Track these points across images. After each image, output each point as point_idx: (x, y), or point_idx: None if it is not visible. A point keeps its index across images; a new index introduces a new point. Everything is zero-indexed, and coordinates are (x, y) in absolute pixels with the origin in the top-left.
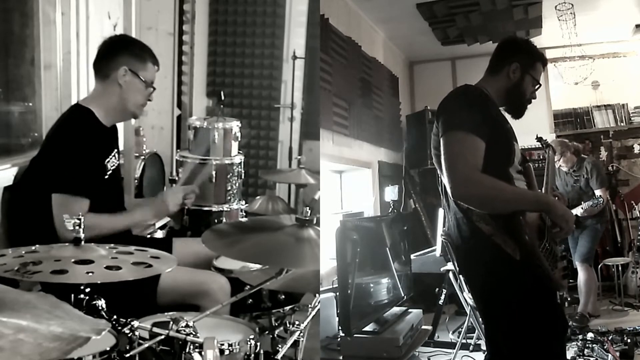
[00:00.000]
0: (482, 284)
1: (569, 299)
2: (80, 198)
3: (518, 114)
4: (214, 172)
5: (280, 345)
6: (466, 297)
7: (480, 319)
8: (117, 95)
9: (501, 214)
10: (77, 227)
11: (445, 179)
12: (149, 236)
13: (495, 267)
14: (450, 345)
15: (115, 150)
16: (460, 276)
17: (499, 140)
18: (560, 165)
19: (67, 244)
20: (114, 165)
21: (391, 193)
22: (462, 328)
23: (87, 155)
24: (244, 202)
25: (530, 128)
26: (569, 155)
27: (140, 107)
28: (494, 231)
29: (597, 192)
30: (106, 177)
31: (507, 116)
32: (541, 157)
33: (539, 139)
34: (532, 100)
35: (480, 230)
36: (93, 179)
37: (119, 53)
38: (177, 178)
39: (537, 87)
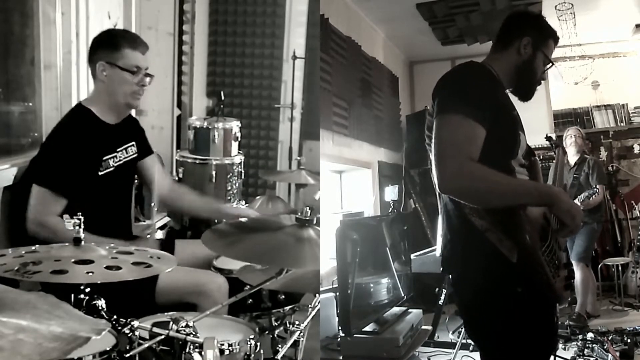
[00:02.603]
0: (471, 287)
1: (568, 298)
2: (58, 196)
3: (527, 95)
4: (213, 172)
5: (280, 345)
6: None
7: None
8: (104, 91)
9: (499, 208)
10: (76, 227)
11: (433, 169)
12: (148, 236)
13: (488, 269)
14: (450, 345)
15: (125, 146)
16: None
17: (503, 127)
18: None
19: (67, 243)
20: (118, 161)
21: (391, 193)
22: (462, 328)
23: (77, 154)
24: (244, 202)
25: (530, 128)
26: (580, 142)
27: (132, 95)
28: (488, 227)
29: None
30: (102, 173)
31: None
32: (541, 157)
33: (549, 138)
34: (542, 82)
35: (472, 225)
36: (80, 180)
37: (95, 51)
38: (176, 178)
39: (548, 66)
